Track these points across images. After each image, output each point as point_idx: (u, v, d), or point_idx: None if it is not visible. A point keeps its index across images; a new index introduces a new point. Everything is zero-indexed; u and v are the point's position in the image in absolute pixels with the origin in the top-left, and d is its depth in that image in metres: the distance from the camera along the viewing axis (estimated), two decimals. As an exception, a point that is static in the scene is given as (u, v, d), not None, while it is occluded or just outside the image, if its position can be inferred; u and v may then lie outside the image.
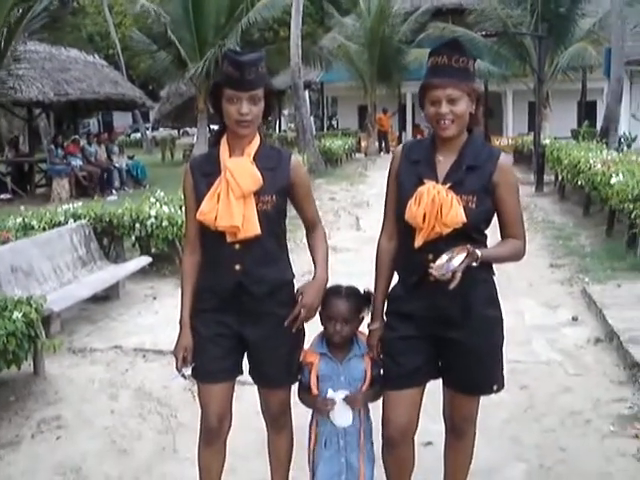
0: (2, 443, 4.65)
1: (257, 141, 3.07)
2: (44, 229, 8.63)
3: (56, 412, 5.09)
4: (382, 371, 3.18)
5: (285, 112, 42.43)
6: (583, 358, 5.86)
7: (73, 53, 22.94)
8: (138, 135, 42.57)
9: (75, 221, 8.77)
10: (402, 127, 33.95)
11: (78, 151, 19.54)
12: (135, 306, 7.82)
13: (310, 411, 3.33)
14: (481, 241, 2.96)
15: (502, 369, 3.13)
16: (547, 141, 17.98)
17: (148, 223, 8.80)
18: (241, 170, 2.96)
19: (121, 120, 47.83)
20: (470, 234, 2.89)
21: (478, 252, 2.78)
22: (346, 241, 10.94)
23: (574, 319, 6.80)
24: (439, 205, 2.81)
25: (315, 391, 3.20)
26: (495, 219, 3.01)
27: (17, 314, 4.94)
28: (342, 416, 3.20)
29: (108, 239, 9.32)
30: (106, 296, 7.95)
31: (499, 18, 22.57)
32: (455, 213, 2.81)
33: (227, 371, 3.15)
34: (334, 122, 39.25)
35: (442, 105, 2.86)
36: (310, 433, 3.33)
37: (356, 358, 3.22)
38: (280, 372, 3.18)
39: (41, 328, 5.35)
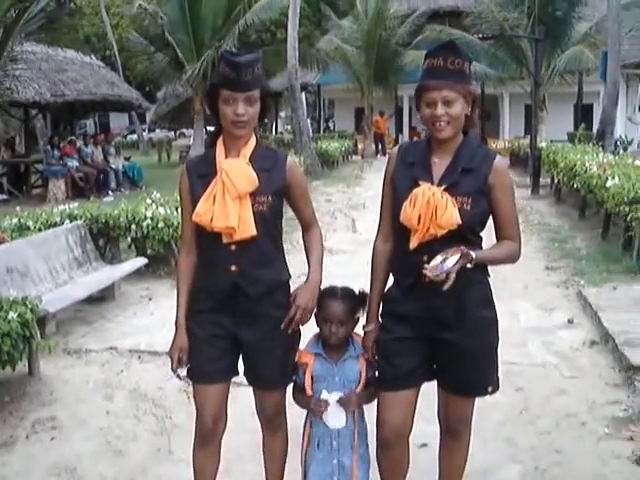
0: (-4, 444, 4.64)
1: (253, 142, 3.07)
2: (40, 230, 8.62)
3: (51, 413, 5.08)
4: (377, 372, 3.19)
5: (282, 114, 42.43)
6: (578, 360, 5.87)
7: (70, 54, 22.91)
8: (134, 136, 42.57)
9: (71, 222, 8.76)
10: (399, 129, 34.03)
11: (74, 152, 19.53)
12: (130, 307, 7.81)
13: (304, 412, 3.33)
14: (476, 243, 2.96)
15: (497, 370, 3.13)
16: (543, 144, 17.99)
17: (144, 224, 8.79)
18: (237, 171, 2.97)
19: (118, 121, 47.78)
20: (465, 236, 2.89)
21: (472, 253, 2.78)
22: (342, 243, 10.95)
23: (570, 321, 6.81)
24: (434, 207, 2.82)
25: (309, 392, 3.20)
26: (490, 221, 3.02)
27: (12, 314, 4.94)
28: (335, 418, 3.20)
29: (104, 240, 9.31)
30: (102, 297, 7.94)
31: (496, 21, 22.59)
32: (450, 215, 2.81)
33: (222, 372, 3.15)
34: (331, 124, 39.27)
35: (438, 107, 2.87)
36: (303, 434, 3.33)
37: (351, 359, 3.22)
38: (275, 373, 3.18)
39: (36, 329, 5.34)
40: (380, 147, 30.49)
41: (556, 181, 15.08)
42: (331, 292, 3.23)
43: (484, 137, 26.56)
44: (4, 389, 5.40)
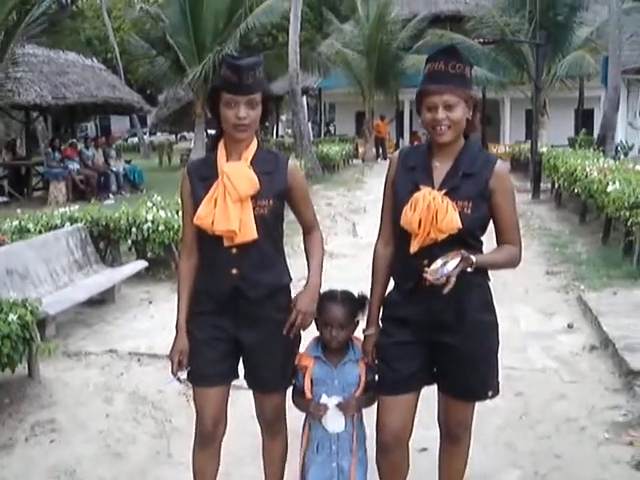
0: (-4, 446, 4.64)
1: (254, 145, 3.08)
2: (40, 232, 8.63)
3: (50, 415, 5.07)
4: (377, 376, 3.19)
5: (283, 118, 42.42)
6: (578, 365, 5.86)
7: (71, 57, 22.95)
8: (135, 139, 42.56)
9: (71, 224, 8.77)
10: (399, 134, 34.03)
11: (75, 155, 19.54)
12: (131, 310, 7.80)
13: (304, 415, 3.33)
14: (476, 247, 2.96)
15: (497, 375, 3.13)
16: (544, 149, 18.01)
17: (145, 227, 8.79)
18: (238, 174, 2.97)
19: (119, 124, 47.81)
20: (465, 240, 2.89)
21: (473, 257, 2.78)
22: (342, 247, 10.94)
23: (570, 326, 6.81)
24: (434, 211, 2.82)
25: (309, 395, 3.20)
26: (491, 225, 3.02)
27: (12, 317, 4.93)
28: (334, 422, 3.21)
29: (104, 243, 9.31)
30: (102, 300, 7.94)
31: (497, 25, 22.61)
32: (450, 219, 2.81)
33: (222, 375, 3.15)
34: (331, 128, 39.25)
35: (439, 111, 2.87)
36: (302, 437, 3.33)
37: (351, 363, 3.23)
38: (275, 376, 3.18)
39: (36, 331, 5.34)
40: (381, 151, 30.52)
41: (557, 186, 15.07)
42: (331, 296, 3.23)
43: (485, 142, 26.55)
44: (4, 391, 5.39)
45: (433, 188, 2.90)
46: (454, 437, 3.26)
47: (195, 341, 3.12)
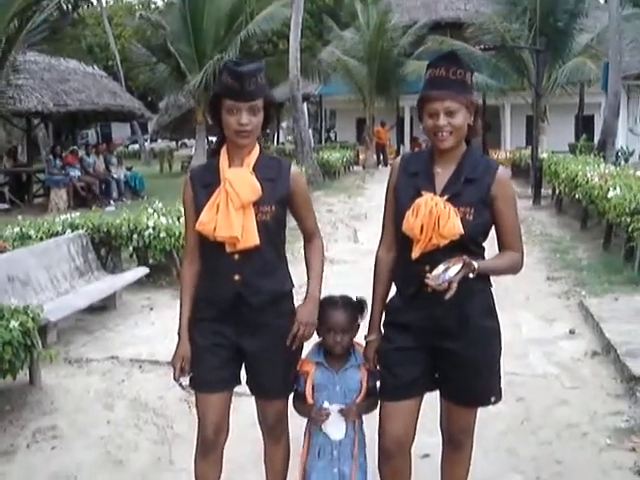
0: (-3, 453, 4.64)
1: (257, 151, 3.08)
2: (41, 239, 8.64)
3: (52, 422, 5.07)
4: (379, 382, 3.18)
5: (283, 124, 42.46)
6: (580, 371, 5.86)
7: (72, 64, 22.99)
8: (136, 146, 42.62)
9: (73, 231, 8.77)
10: (400, 140, 34.04)
11: (76, 162, 19.57)
12: (132, 317, 7.80)
13: (305, 422, 3.32)
14: (478, 253, 2.97)
15: (500, 380, 3.13)
16: (545, 155, 18.01)
17: (146, 234, 8.79)
18: (240, 180, 2.97)
19: (119, 132, 47.87)
20: (467, 246, 2.89)
21: (475, 263, 2.78)
22: (343, 253, 10.94)
23: (571, 332, 6.80)
24: (436, 217, 2.82)
25: (310, 400, 3.20)
26: (493, 231, 3.02)
27: (14, 323, 4.94)
28: (335, 428, 3.21)
29: (105, 249, 9.31)
30: (103, 306, 7.93)
31: (497, 32, 22.62)
32: (452, 225, 2.82)
33: (225, 381, 3.15)
34: (332, 135, 39.29)
35: (440, 117, 2.87)
36: (303, 443, 3.33)
37: (352, 369, 3.23)
38: (277, 383, 3.18)
39: (37, 338, 5.34)
40: (382, 157, 30.55)
41: (557, 192, 15.08)
42: (331, 302, 3.24)
43: (486, 148, 26.57)
44: (5, 398, 5.39)
45: (435, 194, 2.90)
46: (457, 443, 3.26)
47: (197, 347, 3.12)
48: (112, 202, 18.76)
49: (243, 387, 3.25)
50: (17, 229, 8.93)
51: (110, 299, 7.98)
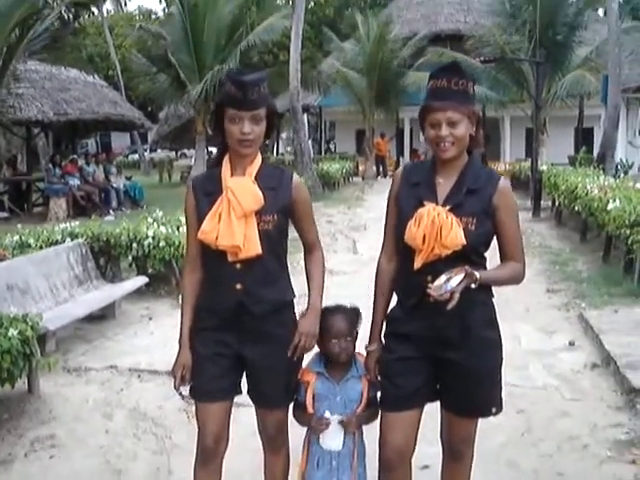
0: (-5, 462, 4.61)
1: (259, 161, 3.08)
2: (41, 247, 8.64)
3: (50, 431, 5.05)
4: (380, 393, 3.17)
5: (283, 135, 42.51)
6: (580, 383, 5.85)
7: (73, 73, 23.02)
8: (136, 156, 42.69)
9: (72, 240, 8.77)
10: (400, 152, 34.09)
11: (76, 171, 19.58)
12: (131, 326, 7.78)
13: (305, 431, 3.31)
14: (480, 263, 2.96)
15: (501, 391, 3.12)
16: (544, 167, 18.04)
17: (145, 243, 8.78)
18: (242, 189, 2.97)
19: (119, 141, 47.95)
20: (469, 256, 2.89)
21: (477, 274, 2.78)
22: (343, 264, 10.92)
23: (571, 344, 6.79)
24: (439, 227, 2.82)
25: (310, 410, 3.19)
26: (494, 242, 3.02)
27: (13, 331, 4.92)
28: (333, 439, 3.19)
29: (105, 258, 9.31)
30: (102, 315, 7.92)
31: (497, 44, 22.72)
32: (455, 235, 2.81)
33: (225, 390, 3.14)
34: (332, 146, 39.35)
35: (442, 128, 2.88)
36: (302, 452, 3.31)
37: (353, 379, 3.22)
38: (278, 392, 3.17)
39: (36, 346, 5.32)
40: (381, 169, 30.59)
41: (557, 204, 15.09)
42: (330, 311, 3.24)
43: (485, 159, 26.59)
44: (3, 407, 5.37)
45: (437, 204, 2.91)
46: (457, 454, 3.24)
47: (198, 356, 3.11)
48: (111, 211, 18.77)
49: (243, 397, 3.24)
50: (16, 237, 8.93)
51: (109, 308, 7.96)
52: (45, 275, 7.45)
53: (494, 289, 3.05)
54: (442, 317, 2.83)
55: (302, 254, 3.31)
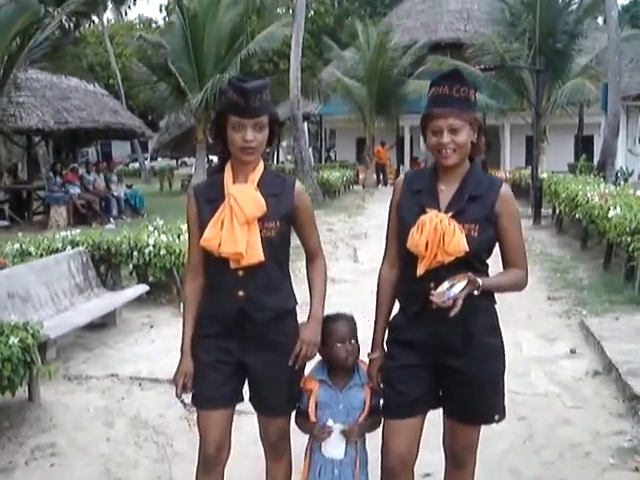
0: (-4, 470, 4.60)
1: (261, 168, 3.08)
2: (41, 255, 8.63)
3: (51, 439, 5.04)
4: (382, 400, 3.16)
5: (283, 143, 42.53)
6: (581, 390, 5.84)
7: (74, 82, 23.06)
8: (136, 165, 42.73)
9: (73, 248, 8.76)
10: (400, 160, 34.12)
11: (77, 179, 19.60)
12: (132, 334, 7.77)
13: (307, 439, 3.30)
14: (483, 270, 2.96)
15: (504, 399, 3.11)
16: (544, 175, 18.06)
17: (146, 251, 8.77)
18: (245, 196, 2.97)
19: (119, 150, 48.01)
20: (472, 263, 2.89)
21: (479, 280, 2.78)
22: (344, 272, 10.92)
23: (572, 351, 6.78)
24: (441, 233, 2.82)
25: (313, 418, 3.18)
26: (497, 249, 3.02)
27: (13, 339, 4.91)
28: (335, 447, 3.18)
29: (105, 267, 9.30)
30: (103, 324, 7.91)
31: (497, 52, 22.78)
32: (457, 241, 2.81)
33: (227, 398, 3.13)
34: (332, 154, 39.39)
35: (444, 135, 2.88)
36: (304, 460, 3.30)
37: (356, 387, 3.21)
38: (281, 399, 3.16)
39: (37, 354, 5.31)
40: (381, 177, 30.61)
41: (558, 211, 15.10)
42: (330, 318, 3.24)
43: (486, 167, 26.59)
44: (4, 414, 5.36)
45: (439, 211, 2.90)
46: (460, 461, 3.23)
47: (200, 364, 3.11)
48: (112, 220, 18.76)
49: (245, 405, 3.23)
50: (17, 245, 8.92)
51: (110, 316, 7.95)
52: (46, 283, 7.45)
53: (497, 295, 3.05)
54: (445, 324, 2.82)
55: (304, 262, 3.31)
